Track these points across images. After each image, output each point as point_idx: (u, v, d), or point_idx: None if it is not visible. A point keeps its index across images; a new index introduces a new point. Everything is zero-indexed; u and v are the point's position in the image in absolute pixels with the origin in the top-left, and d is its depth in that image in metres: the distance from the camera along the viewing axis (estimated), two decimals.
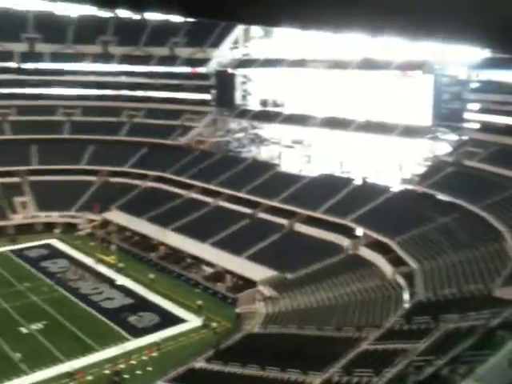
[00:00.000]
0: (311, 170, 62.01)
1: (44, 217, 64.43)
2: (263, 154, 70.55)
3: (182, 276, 49.71)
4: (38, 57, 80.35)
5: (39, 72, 79.64)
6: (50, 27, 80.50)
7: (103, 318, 41.29)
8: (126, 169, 71.12)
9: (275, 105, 71.89)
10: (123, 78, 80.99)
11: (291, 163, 64.65)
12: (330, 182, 57.08)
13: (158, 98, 79.94)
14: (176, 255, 52.94)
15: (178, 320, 41.34)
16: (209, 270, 49.56)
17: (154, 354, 35.80)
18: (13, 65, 78.51)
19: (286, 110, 69.36)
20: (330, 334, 33.38)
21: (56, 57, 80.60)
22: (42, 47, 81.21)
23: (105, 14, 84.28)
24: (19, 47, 79.87)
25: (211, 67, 76.29)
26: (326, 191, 54.82)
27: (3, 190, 66.48)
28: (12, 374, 33.26)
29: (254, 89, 74.41)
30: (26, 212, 64.87)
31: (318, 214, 52.10)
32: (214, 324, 40.08)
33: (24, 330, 39.13)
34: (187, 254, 52.17)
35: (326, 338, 33.00)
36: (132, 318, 41.31)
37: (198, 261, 51.03)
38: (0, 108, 76.44)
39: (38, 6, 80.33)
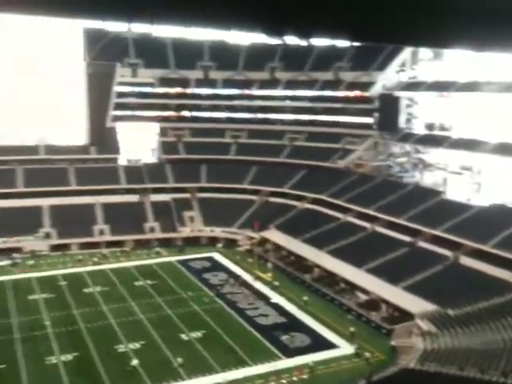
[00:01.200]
0: (481, 199, 57.45)
1: (209, 231, 68.69)
2: (427, 179, 67.25)
3: (335, 300, 48.99)
4: (210, 83, 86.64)
5: (211, 97, 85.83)
6: (223, 55, 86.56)
7: (257, 334, 42.22)
8: (285, 190, 72.88)
9: (442, 129, 68.38)
10: (287, 103, 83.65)
11: (458, 191, 60.54)
12: (503, 214, 52.21)
13: (320, 122, 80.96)
14: (330, 278, 52.42)
15: (329, 345, 40.68)
16: (363, 297, 48.17)
17: (304, 377, 35.52)
18: (188, 90, 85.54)
19: (455, 135, 65.53)
20: (495, 379, 30.20)
21: (227, 83, 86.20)
22: (214, 74, 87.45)
23: (274, 41, 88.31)
24: (194, 74, 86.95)
25: (375, 91, 75.32)
26: (497, 223, 50.22)
27: (175, 204, 72.25)
28: (171, 378, 35.35)
29: (419, 112, 71.67)
30: (193, 226, 69.75)
31: (487, 248, 47.82)
32: (367, 354, 38.64)
33: (184, 337, 41.54)
34: (341, 279, 51.35)
35: (491, 383, 29.92)
36: (284, 337, 41.60)
37: (352, 286, 49.93)
38: (176, 130, 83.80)
39: (212, 36, 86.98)
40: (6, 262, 58.45)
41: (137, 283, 53.83)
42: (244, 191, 74.41)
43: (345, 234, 59.13)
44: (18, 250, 60.88)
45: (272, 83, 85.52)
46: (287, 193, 72.45)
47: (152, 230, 67.80)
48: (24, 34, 76.83)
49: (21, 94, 78.41)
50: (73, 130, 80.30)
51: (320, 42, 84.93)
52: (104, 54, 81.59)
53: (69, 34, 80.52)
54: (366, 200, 62.49)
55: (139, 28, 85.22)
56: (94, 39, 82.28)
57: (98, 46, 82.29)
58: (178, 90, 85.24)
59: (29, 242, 61.99)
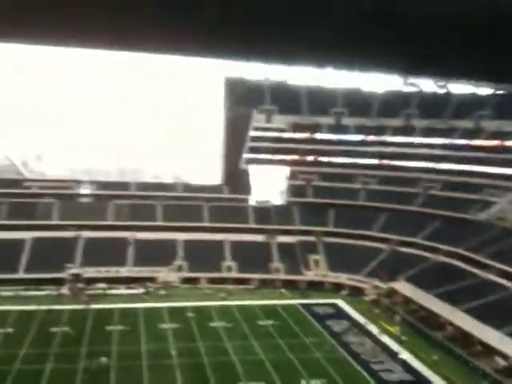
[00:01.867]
0: None
1: (333, 277, 67.33)
2: None
3: (469, 363, 44.79)
4: (342, 129, 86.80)
5: (342, 143, 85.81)
6: (356, 102, 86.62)
7: None
8: (416, 240, 69.51)
9: None
10: (422, 150, 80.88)
11: None
12: None
13: (458, 171, 76.93)
14: (465, 339, 48.18)
15: None
16: (502, 363, 43.49)
17: None
18: (319, 136, 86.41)
19: None
20: None
21: (359, 129, 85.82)
22: (347, 120, 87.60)
23: (409, 89, 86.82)
24: (326, 120, 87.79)
25: None
26: None
27: (301, 247, 72.15)
28: None
29: None
30: (317, 270, 68.94)
31: None
32: None
33: None
34: (478, 340, 46.98)
35: None
36: None
37: (489, 349, 45.40)
38: (305, 173, 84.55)
39: (346, 83, 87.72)
40: (140, 291, 62.00)
41: (260, 322, 53.87)
42: (372, 239, 72.29)
43: (484, 292, 54.42)
44: (152, 279, 64.43)
45: (406, 130, 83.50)
46: (419, 243, 68.97)
47: (277, 270, 68.12)
48: (172, 81, 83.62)
49: (164, 139, 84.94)
50: (209, 170, 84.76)
51: (459, 89, 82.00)
52: (242, 100, 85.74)
53: (211, 80, 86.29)
54: (510, 257, 57.26)
55: (276, 76, 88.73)
56: (233, 86, 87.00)
57: (236, 93, 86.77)
58: (309, 135, 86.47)
59: (162, 273, 65.36)
